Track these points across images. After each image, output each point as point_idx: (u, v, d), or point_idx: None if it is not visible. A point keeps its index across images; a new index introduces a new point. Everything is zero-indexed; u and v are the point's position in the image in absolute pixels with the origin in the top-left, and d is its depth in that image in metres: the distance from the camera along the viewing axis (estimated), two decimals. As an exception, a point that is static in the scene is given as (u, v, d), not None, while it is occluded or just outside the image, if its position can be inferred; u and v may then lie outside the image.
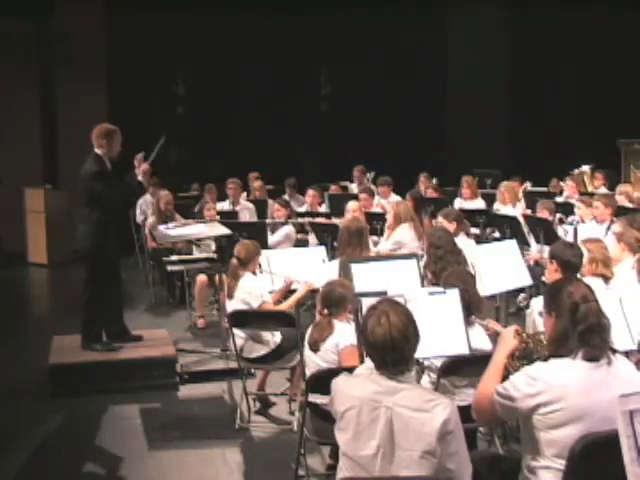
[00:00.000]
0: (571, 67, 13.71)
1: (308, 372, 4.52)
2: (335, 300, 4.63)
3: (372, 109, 13.61)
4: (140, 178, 6.45)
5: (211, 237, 7.51)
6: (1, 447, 5.24)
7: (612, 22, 12.93)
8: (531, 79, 13.85)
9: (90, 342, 6.43)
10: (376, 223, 8.09)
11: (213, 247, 7.64)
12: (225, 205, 9.80)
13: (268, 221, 8.87)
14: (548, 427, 2.88)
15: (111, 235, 6.35)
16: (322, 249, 6.61)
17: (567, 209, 8.27)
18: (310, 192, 9.62)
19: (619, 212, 7.49)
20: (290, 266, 6.19)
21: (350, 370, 3.14)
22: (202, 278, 7.91)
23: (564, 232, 7.59)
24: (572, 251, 4.94)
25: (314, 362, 4.58)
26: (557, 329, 2.99)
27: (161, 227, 7.66)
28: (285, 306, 5.86)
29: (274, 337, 5.65)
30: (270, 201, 9.95)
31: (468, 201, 9.91)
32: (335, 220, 8.25)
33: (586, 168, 10.97)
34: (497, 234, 8.50)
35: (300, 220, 8.88)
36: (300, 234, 8.80)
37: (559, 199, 9.44)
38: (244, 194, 10.58)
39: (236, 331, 5.53)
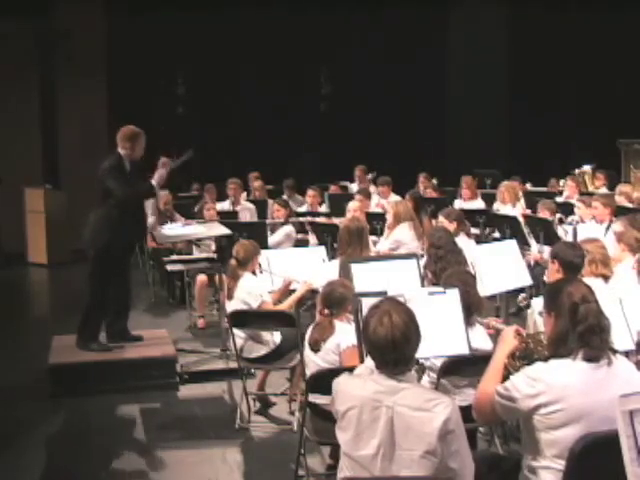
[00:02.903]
0: (571, 67, 13.72)
1: (308, 372, 4.52)
2: (336, 300, 4.63)
3: (372, 109, 13.60)
4: (154, 182, 6.42)
5: (211, 237, 7.51)
6: (1, 447, 5.23)
7: (612, 22, 12.94)
8: (531, 79, 13.85)
9: (86, 342, 6.42)
10: (376, 223, 8.09)
11: (213, 247, 7.64)
12: (225, 205, 9.80)
13: (268, 221, 8.87)
14: (548, 427, 2.88)
15: (119, 234, 6.29)
16: (322, 249, 6.61)
17: (567, 209, 8.26)
18: (310, 192, 9.62)
19: (619, 212, 7.48)
20: (290, 266, 6.19)
21: (351, 370, 3.14)
22: (202, 278, 7.90)
23: (564, 232, 7.59)
24: (574, 251, 4.94)
25: (314, 362, 4.57)
26: (557, 329, 2.99)
27: (170, 226, 7.70)
28: (285, 306, 5.86)
29: (274, 337, 5.65)
30: (270, 201, 9.95)
31: (468, 201, 9.91)
32: (335, 220, 8.25)
33: (587, 168, 10.97)
34: (497, 234, 8.50)
35: (301, 219, 8.88)
36: (300, 234, 8.80)
37: (559, 199, 9.44)
38: (244, 194, 10.58)
39: (236, 331, 5.53)
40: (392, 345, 2.81)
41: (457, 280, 4.46)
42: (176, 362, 6.44)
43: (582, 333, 2.93)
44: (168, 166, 6.48)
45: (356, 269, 5.11)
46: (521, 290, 6.49)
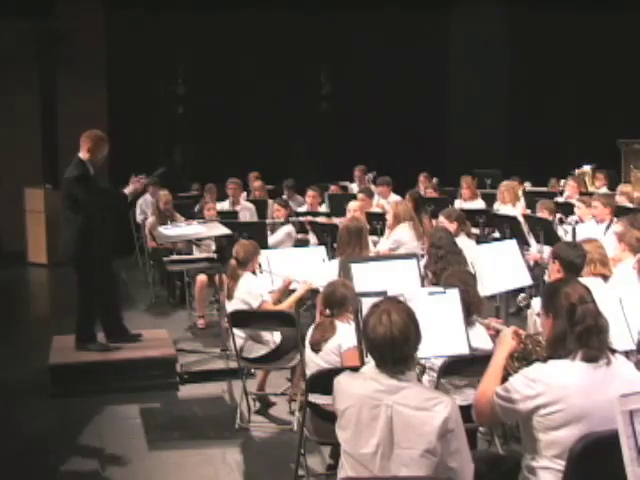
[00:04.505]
0: (571, 67, 13.71)
1: (308, 372, 4.52)
2: (337, 300, 4.63)
3: (372, 109, 13.60)
4: (127, 191, 6.50)
5: (211, 237, 7.51)
6: (1, 447, 5.23)
7: (613, 21, 12.93)
8: (531, 79, 13.85)
9: (84, 342, 6.43)
10: (376, 223, 8.09)
11: (213, 247, 7.64)
12: (225, 205, 9.80)
13: (268, 221, 8.87)
14: (548, 428, 2.88)
15: (95, 238, 6.29)
16: (322, 249, 6.61)
17: (567, 209, 8.26)
18: (310, 192, 9.61)
19: (619, 212, 7.48)
20: (290, 266, 6.19)
21: (354, 370, 3.14)
22: (202, 278, 7.91)
23: (564, 232, 7.59)
24: (575, 251, 4.93)
25: (315, 362, 4.57)
26: (555, 330, 2.99)
27: (170, 226, 7.71)
28: (285, 306, 5.86)
29: (274, 337, 5.65)
30: (270, 201, 9.95)
31: (468, 201, 9.91)
32: (335, 220, 8.25)
33: (587, 168, 10.97)
34: (497, 234, 8.50)
35: (301, 219, 8.88)
36: (300, 234, 8.80)
37: (559, 199, 9.44)
38: (244, 194, 10.58)
39: (236, 331, 5.53)
40: (391, 344, 2.82)
41: (457, 280, 4.46)
42: (176, 362, 6.45)
43: (580, 334, 2.93)
44: (141, 183, 6.61)
45: (356, 269, 5.12)
46: (521, 290, 6.49)
